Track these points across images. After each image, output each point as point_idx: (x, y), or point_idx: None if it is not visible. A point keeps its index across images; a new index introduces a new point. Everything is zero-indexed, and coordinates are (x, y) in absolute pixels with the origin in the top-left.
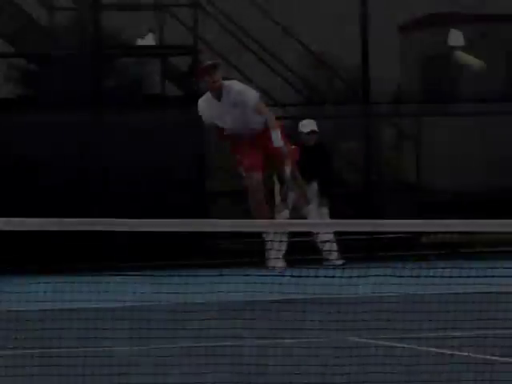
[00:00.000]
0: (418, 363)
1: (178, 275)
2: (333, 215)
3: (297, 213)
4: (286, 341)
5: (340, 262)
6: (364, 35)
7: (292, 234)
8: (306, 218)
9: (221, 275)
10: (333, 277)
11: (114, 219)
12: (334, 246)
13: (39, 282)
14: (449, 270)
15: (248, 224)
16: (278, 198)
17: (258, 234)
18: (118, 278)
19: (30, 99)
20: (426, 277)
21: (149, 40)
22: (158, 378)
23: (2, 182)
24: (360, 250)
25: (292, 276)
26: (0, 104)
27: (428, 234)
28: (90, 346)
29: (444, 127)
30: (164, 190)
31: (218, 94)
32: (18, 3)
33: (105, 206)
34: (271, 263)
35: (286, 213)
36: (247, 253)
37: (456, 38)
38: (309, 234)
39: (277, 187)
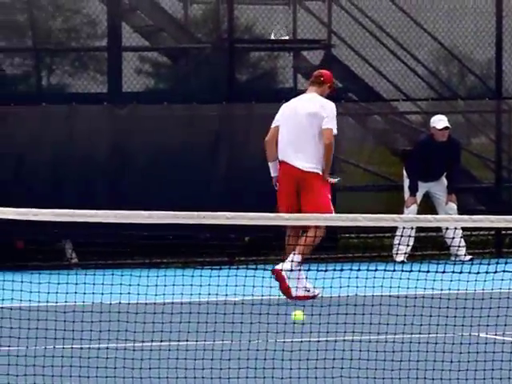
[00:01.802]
0: None
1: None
2: (462, 211)
3: None
4: (414, 336)
5: (468, 257)
6: (498, 29)
7: (420, 230)
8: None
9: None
10: (460, 272)
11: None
12: (462, 242)
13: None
14: None
15: (378, 218)
16: (406, 193)
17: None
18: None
19: (162, 92)
20: None
21: (282, 34)
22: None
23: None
24: (489, 246)
25: (420, 271)
26: (133, 96)
27: None
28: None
29: None
30: None
31: None
32: None
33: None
34: (399, 258)
35: (414, 208)
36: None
37: None
38: (437, 229)
39: (406, 182)
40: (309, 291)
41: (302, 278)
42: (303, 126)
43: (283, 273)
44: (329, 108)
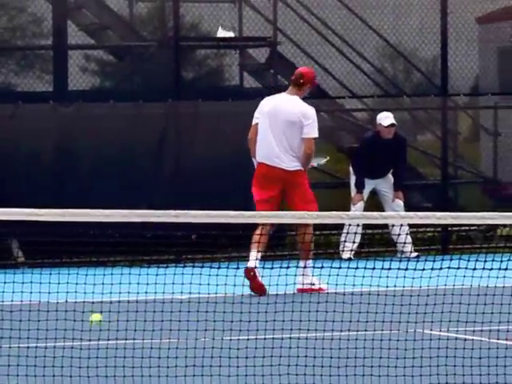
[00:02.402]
0: (489, 356)
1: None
2: (409, 208)
3: None
4: (360, 333)
5: (414, 254)
6: (443, 26)
7: (366, 226)
8: None
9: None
10: (406, 269)
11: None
12: (409, 239)
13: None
14: None
15: (323, 216)
16: (353, 191)
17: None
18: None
19: (108, 91)
20: (498, 269)
21: (228, 31)
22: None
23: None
24: (436, 243)
25: (365, 268)
26: (78, 95)
27: (504, 226)
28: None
29: None
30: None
31: None
32: None
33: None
34: (346, 255)
35: (361, 205)
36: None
37: None
38: (384, 226)
39: (352, 179)
40: (314, 285)
41: (308, 274)
42: (284, 132)
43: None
44: (310, 115)
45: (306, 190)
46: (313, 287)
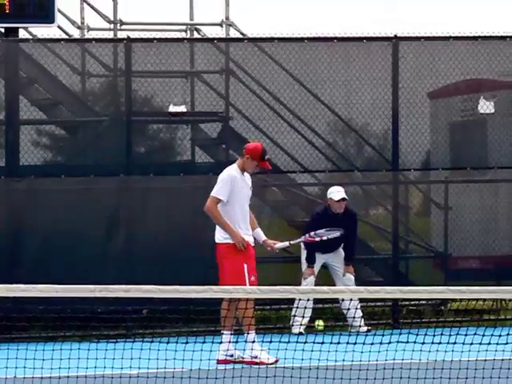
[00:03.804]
0: None
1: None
2: (360, 282)
3: None
4: None
5: (365, 328)
6: (394, 101)
7: (317, 301)
8: None
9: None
10: (354, 343)
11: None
12: (359, 313)
13: None
14: (471, 336)
15: (274, 290)
16: (303, 265)
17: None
18: None
19: (60, 165)
20: (447, 343)
21: (180, 106)
22: None
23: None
24: (386, 317)
25: (314, 342)
26: (30, 170)
27: (454, 300)
28: None
29: (473, 193)
30: (192, 258)
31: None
32: (50, 72)
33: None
34: (296, 329)
35: (312, 279)
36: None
37: (486, 105)
38: (334, 300)
39: (303, 253)
40: (256, 357)
41: (255, 348)
42: None
43: (227, 358)
44: (219, 177)
45: (233, 263)
46: (255, 360)
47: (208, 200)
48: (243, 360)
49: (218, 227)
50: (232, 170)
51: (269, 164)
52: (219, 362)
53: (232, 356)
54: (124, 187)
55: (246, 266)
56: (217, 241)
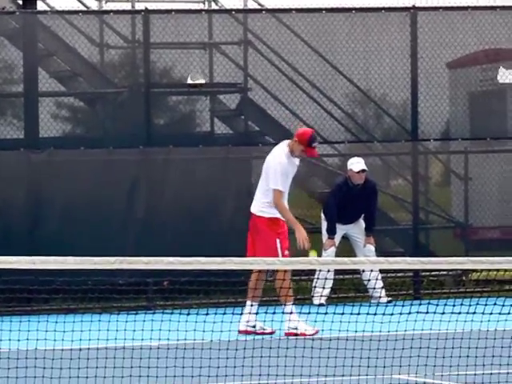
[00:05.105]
0: None
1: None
2: (380, 253)
3: None
4: (328, 378)
5: (385, 299)
6: (413, 71)
7: (338, 272)
8: None
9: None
10: (375, 314)
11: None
12: (380, 284)
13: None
14: (490, 306)
15: (294, 261)
16: (324, 236)
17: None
18: None
19: (79, 137)
20: (467, 313)
21: (198, 77)
22: None
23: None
24: (407, 288)
25: (334, 313)
26: (49, 142)
27: (475, 271)
28: None
29: (493, 163)
30: (212, 229)
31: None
32: (69, 44)
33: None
34: (317, 300)
35: (333, 250)
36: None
37: (505, 75)
38: (355, 271)
39: (323, 224)
40: (296, 329)
41: (293, 319)
42: (261, 177)
43: (247, 329)
44: (270, 166)
45: (266, 236)
46: (295, 331)
47: (273, 195)
48: (264, 331)
49: (257, 198)
50: (282, 155)
51: (316, 152)
52: (240, 332)
53: (254, 327)
54: (143, 159)
55: (278, 240)
56: (257, 213)
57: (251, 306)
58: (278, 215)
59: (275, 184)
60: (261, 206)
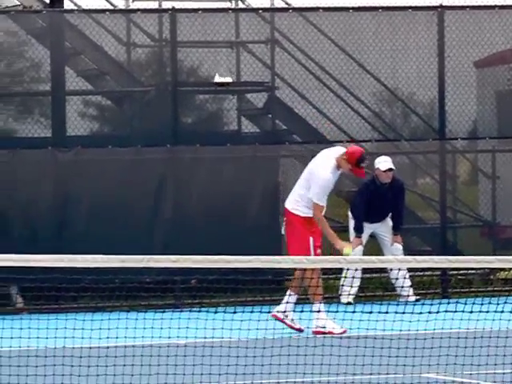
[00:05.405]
0: None
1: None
2: (408, 251)
3: None
4: (356, 377)
5: (413, 298)
6: (441, 70)
7: (365, 270)
8: None
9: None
10: (403, 313)
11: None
12: (407, 283)
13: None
14: None
15: (322, 260)
16: (351, 235)
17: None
18: None
19: (107, 136)
20: (495, 312)
21: (226, 76)
22: None
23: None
24: (434, 287)
25: (362, 312)
26: (77, 140)
27: (503, 270)
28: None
29: None
30: (239, 228)
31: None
32: (96, 42)
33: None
34: (345, 299)
35: (360, 249)
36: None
37: None
38: (383, 270)
39: (351, 223)
40: (324, 327)
41: (321, 318)
42: (301, 177)
43: (278, 314)
44: (315, 177)
45: (300, 234)
46: (323, 330)
47: (314, 208)
48: (293, 326)
49: (295, 196)
50: (329, 169)
51: (363, 172)
52: (274, 316)
53: (287, 317)
54: (170, 157)
55: (311, 238)
56: (292, 211)
57: (288, 295)
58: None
59: (318, 199)
60: (296, 204)
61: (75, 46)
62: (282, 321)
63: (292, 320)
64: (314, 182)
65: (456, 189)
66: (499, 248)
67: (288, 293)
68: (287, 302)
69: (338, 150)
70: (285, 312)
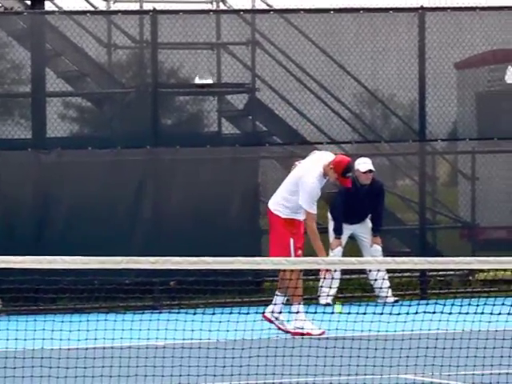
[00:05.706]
0: None
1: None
2: (387, 253)
3: None
4: (334, 378)
5: (392, 299)
6: (421, 71)
7: (344, 271)
8: None
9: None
10: (381, 314)
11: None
12: (386, 284)
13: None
14: (498, 306)
15: (301, 261)
16: (331, 236)
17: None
18: None
19: (87, 137)
20: (474, 313)
21: (206, 78)
22: None
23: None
24: (414, 288)
25: (341, 313)
26: (57, 142)
27: (482, 271)
28: None
29: (500, 163)
30: (219, 229)
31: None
32: (76, 44)
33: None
34: (323, 300)
35: (340, 250)
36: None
37: None
38: (362, 271)
39: (330, 224)
40: (302, 328)
41: (300, 319)
42: (285, 181)
43: (268, 315)
44: (303, 184)
45: (280, 235)
46: (302, 331)
47: (306, 216)
48: (281, 327)
49: (278, 197)
50: (316, 177)
51: (349, 182)
52: (263, 316)
53: (276, 319)
54: (151, 159)
55: (292, 240)
56: (274, 212)
57: (275, 296)
58: (294, 216)
59: (309, 207)
60: (279, 206)
61: (56, 48)
62: (272, 322)
63: (282, 322)
64: (301, 188)
65: (436, 190)
66: (478, 249)
67: (275, 293)
68: (275, 304)
69: (327, 158)
70: (273, 313)
